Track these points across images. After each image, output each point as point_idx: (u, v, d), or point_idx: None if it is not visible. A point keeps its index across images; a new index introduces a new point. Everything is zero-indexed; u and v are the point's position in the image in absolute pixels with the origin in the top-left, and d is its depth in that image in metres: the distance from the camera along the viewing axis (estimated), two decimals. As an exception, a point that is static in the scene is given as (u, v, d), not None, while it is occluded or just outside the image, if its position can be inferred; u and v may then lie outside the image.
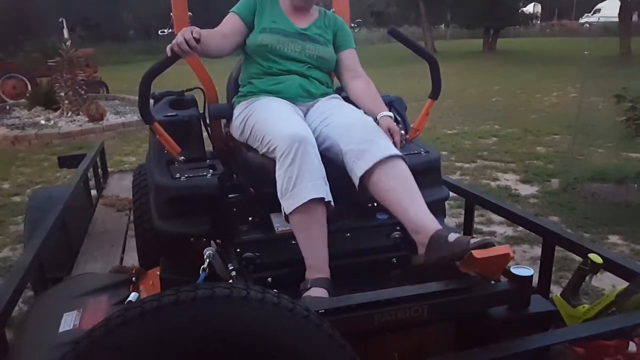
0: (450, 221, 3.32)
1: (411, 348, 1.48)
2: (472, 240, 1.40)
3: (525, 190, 4.48)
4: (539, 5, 37.59)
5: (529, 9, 33.27)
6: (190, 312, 0.99)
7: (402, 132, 2.05)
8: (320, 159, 1.66)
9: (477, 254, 1.32)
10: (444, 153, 5.65)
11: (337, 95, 2.04)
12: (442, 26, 33.76)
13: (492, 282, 1.50)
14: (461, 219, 3.58)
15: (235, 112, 1.99)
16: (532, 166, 5.15)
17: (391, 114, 1.89)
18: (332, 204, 1.64)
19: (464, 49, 21.85)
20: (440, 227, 1.54)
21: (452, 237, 1.46)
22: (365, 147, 1.64)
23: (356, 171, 1.64)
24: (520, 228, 3.23)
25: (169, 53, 1.66)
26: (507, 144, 6.17)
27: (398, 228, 1.83)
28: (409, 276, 1.63)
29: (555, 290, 2.22)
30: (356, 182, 1.65)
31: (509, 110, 8.46)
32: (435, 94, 1.96)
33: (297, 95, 1.93)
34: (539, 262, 2.10)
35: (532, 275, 1.47)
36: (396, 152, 1.66)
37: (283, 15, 2.02)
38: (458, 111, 8.30)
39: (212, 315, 1.01)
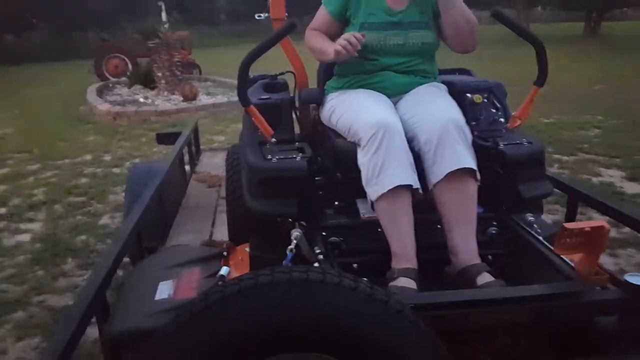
0: (545, 218, 3.12)
1: (505, 353, 1.40)
2: None
3: (632, 188, 4.10)
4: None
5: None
6: (284, 293, 1.00)
7: (502, 120, 1.95)
8: (407, 146, 1.66)
9: (570, 225, 1.24)
10: (539, 144, 5.32)
11: (437, 84, 1.96)
12: (539, 8, 31.71)
13: (599, 287, 1.38)
14: (557, 216, 3.38)
15: (327, 99, 2.01)
16: None
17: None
18: (420, 191, 1.62)
19: (562, 33, 20.38)
20: (477, 259, 1.58)
21: (481, 280, 1.51)
22: (441, 152, 1.63)
23: (430, 177, 1.66)
24: (625, 230, 2.97)
25: (333, 55, 1.79)
26: (611, 136, 5.68)
27: (495, 223, 1.74)
28: (505, 276, 1.54)
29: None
30: (430, 186, 1.67)
31: (613, 100, 7.79)
32: (541, 80, 1.84)
33: (393, 92, 1.91)
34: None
35: None
36: (470, 164, 1.62)
37: None
38: (556, 98, 7.73)
39: (305, 299, 1.01)
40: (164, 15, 10.24)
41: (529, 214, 1.75)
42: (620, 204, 2.08)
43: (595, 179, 4.33)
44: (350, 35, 1.75)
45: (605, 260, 2.87)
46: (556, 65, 10.55)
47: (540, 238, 1.62)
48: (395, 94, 1.90)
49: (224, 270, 1.61)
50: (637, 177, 4.34)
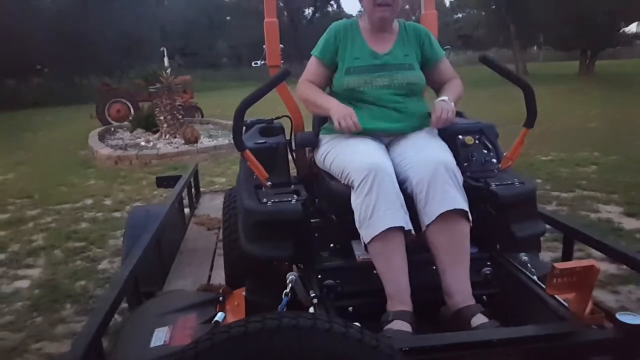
0: (545, 255, 3.11)
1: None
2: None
3: (630, 224, 4.10)
4: (644, 25, 34.88)
5: (632, 28, 31.01)
6: (274, 340, 1.00)
7: (494, 160, 1.98)
8: (398, 188, 1.68)
9: (559, 265, 1.25)
10: (538, 181, 5.33)
11: (429, 129, 2.00)
12: (535, 48, 32.50)
13: (594, 326, 1.37)
14: (557, 254, 3.36)
15: (321, 142, 2.06)
16: (637, 198, 4.70)
17: (446, 97, 1.93)
18: (413, 232, 1.64)
19: (558, 72, 20.80)
20: (471, 300, 1.58)
21: (476, 321, 1.50)
22: (432, 194, 1.66)
23: (423, 218, 1.68)
24: (625, 266, 2.96)
25: (337, 128, 1.88)
26: (608, 172, 5.72)
27: (489, 263, 1.75)
28: (499, 316, 1.53)
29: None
30: (423, 227, 1.68)
31: (609, 136, 7.87)
32: (530, 122, 1.87)
33: (382, 136, 1.96)
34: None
35: None
36: (461, 205, 1.64)
37: (364, 43, 2.03)
38: (553, 136, 7.84)
39: (295, 345, 1.01)
40: (166, 60, 10.51)
41: (522, 254, 1.76)
42: (614, 241, 2.08)
43: (593, 215, 4.33)
44: (351, 124, 1.84)
45: (606, 297, 2.84)
46: (553, 103, 10.70)
47: (534, 278, 1.62)
48: (386, 136, 1.95)
49: (219, 316, 1.61)
50: (634, 212, 4.34)
